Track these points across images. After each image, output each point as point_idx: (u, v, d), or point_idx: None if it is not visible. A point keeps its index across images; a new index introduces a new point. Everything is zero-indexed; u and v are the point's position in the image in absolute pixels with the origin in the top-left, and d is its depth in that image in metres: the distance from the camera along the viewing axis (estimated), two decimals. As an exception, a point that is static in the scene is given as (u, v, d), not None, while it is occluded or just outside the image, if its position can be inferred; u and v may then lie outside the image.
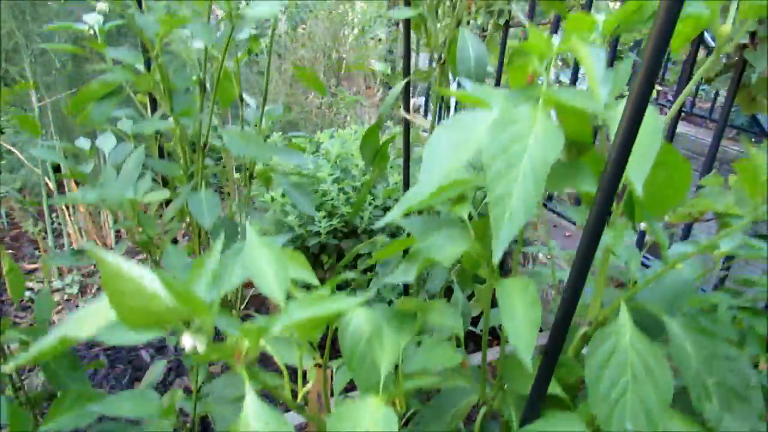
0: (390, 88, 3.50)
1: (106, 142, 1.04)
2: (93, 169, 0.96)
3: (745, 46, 1.60)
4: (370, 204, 1.81)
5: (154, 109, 0.93)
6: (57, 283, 2.30)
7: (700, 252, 0.73)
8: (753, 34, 1.53)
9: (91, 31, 0.97)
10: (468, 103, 0.61)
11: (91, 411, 0.77)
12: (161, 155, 0.96)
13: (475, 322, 1.84)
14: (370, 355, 0.58)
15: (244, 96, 1.12)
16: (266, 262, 0.59)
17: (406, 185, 1.26)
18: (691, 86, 0.70)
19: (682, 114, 3.71)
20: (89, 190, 0.78)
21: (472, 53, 0.95)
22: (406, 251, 0.73)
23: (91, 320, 0.40)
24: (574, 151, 0.66)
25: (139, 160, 0.86)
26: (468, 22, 1.11)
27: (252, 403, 0.42)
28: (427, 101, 2.99)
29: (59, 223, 2.64)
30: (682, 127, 3.54)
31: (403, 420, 0.81)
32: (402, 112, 1.19)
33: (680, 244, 0.71)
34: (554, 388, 0.62)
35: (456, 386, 0.77)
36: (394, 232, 1.89)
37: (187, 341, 0.45)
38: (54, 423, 0.75)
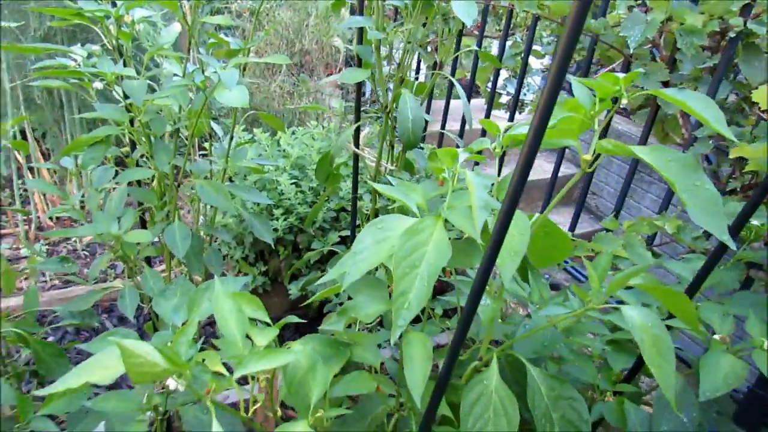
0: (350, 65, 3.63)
1: (70, 164, 1.18)
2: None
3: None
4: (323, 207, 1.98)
5: (133, 148, 1.08)
6: (25, 251, 2.40)
7: (571, 315, 0.95)
8: (666, 83, 1.75)
9: (77, 65, 1.10)
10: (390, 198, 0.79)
11: (80, 403, 0.95)
12: (138, 183, 1.12)
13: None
14: (305, 385, 0.77)
15: (213, 125, 1.27)
16: (228, 310, 0.77)
17: (354, 210, 1.44)
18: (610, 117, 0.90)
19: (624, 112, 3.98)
20: (84, 226, 0.93)
21: (410, 114, 1.13)
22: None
23: (104, 372, 0.58)
24: (473, 232, 0.86)
25: (123, 196, 1.01)
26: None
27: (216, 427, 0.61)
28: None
29: (25, 191, 2.72)
30: (625, 126, 3.77)
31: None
32: (353, 147, 1.36)
33: (555, 306, 0.92)
34: (443, 409, 0.83)
35: (375, 398, 0.98)
36: (343, 229, 2.08)
37: (171, 383, 0.63)
38: (49, 408, 0.93)
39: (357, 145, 1.35)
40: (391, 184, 1.28)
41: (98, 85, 0.92)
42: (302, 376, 0.79)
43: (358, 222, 1.52)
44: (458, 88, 1.18)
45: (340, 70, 3.77)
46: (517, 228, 0.74)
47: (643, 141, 1.93)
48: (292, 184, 1.98)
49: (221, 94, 0.88)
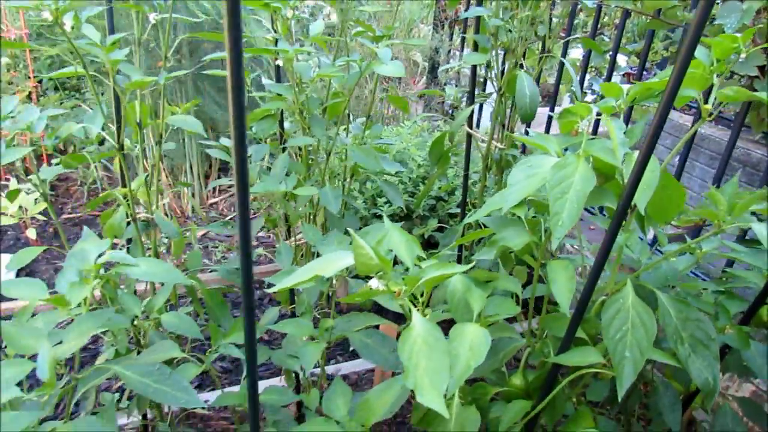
0: (433, 77, 3.82)
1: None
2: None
3: (756, 76, 1.88)
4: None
5: (281, 121, 1.26)
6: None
7: (685, 251, 1.05)
8: (762, 68, 1.81)
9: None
10: (533, 146, 0.93)
11: (263, 328, 1.12)
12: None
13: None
14: (464, 302, 0.91)
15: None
16: (399, 241, 0.92)
17: (465, 186, 1.58)
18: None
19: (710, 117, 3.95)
20: (257, 185, 1.12)
21: (527, 92, 1.27)
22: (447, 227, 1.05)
23: (332, 266, 0.74)
24: (603, 178, 0.98)
25: (286, 163, 1.19)
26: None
27: (416, 316, 0.75)
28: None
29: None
30: (708, 129, 3.76)
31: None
32: (466, 128, 1.51)
33: (672, 244, 1.02)
34: (580, 333, 0.95)
35: (506, 335, 1.11)
36: (441, 218, 2.22)
37: (374, 282, 0.78)
38: (232, 337, 1.11)
39: (471, 125, 1.50)
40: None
41: (280, 62, 1.11)
42: (460, 296, 0.93)
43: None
44: (568, 66, 1.30)
45: (419, 81, 3.97)
46: (648, 167, 0.86)
47: (739, 126, 1.97)
48: (394, 174, 2.14)
49: (379, 67, 1.04)
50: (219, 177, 3.35)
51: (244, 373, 1.20)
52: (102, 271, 0.92)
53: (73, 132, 1.06)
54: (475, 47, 1.40)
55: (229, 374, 2.02)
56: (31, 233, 2.45)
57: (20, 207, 2.36)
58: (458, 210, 2.18)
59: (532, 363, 1.13)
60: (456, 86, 3.85)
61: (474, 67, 1.45)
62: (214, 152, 1.26)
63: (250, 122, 1.17)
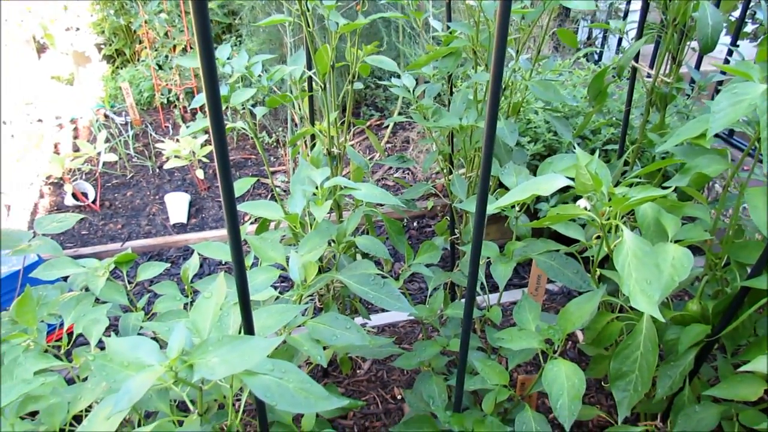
0: (566, 15, 3.72)
1: (409, 79, 1.47)
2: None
3: None
4: (569, 133, 2.14)
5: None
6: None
7: None
8: None
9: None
10: (733, 74, 0.94)
11: (438, 258, 1.24)
12: (451, 92, 1.38)
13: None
14: (654, 225, 0.97)
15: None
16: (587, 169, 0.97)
17: (626, 121, 1.59)
18: None
19: None
20: (444, 118, 1.21)
21: (710, 21, 1.24)
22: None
23: (549, 186, 0.82)
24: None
25: (465, 99, 1.27)
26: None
27: (627, 232, 0.82)
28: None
29: (284, 136, 3.25)
30: None
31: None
32: (632, 62, 1.50)
33: None
34: (771, 260, 0.97)
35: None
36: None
37: (582, 202, 0.86)
38: (421, 258, 1.23)
39: (636, 59, 1.49)
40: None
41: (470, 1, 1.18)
42: (650, 220, 0.98)
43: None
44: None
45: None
46: None
47: None
48: (537, 113, 2.16)
49: (568, 1, 1.08)
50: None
51: (429, 292, 1.33)
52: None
53: (285, 74, 1.20)
54: (648, -22, 1.38)
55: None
56: (199, 173, 2.73)
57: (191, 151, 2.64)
58: (603, 147, 2.18)
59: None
60: (591, 22, 3.75)
61: (645, 2, 1.43)
62: (396, 90, 1.36)
63: (431, 60, 1.26)
